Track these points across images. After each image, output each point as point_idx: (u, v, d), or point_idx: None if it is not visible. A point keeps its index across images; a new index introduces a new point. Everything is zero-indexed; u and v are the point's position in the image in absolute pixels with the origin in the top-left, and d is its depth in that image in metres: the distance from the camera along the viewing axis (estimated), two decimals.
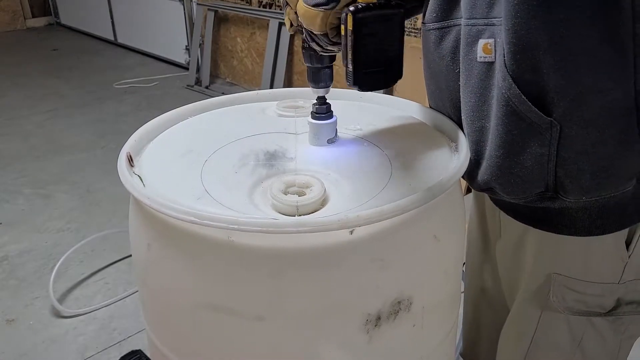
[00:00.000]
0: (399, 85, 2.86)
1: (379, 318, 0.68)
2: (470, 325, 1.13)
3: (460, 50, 0.74)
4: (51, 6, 6.26)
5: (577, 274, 0.78)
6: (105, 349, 1.73)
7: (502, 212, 0.85)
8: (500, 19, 0.66)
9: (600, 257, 0.77)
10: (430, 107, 0.91)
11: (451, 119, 0.85)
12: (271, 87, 3.66)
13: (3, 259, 2.17)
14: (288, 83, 3.68)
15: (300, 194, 0.70)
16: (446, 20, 0.77)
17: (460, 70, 0.75)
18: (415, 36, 2.85)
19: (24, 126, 3.51)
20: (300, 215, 0.67)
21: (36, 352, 1.72)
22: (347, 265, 0.65)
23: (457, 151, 0.80)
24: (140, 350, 1.69)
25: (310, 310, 0.66)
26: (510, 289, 0.90)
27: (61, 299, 1.93)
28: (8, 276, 2.07)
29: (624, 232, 0.76)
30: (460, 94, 0.77)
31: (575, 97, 0.63)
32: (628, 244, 0.76)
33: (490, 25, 0.68)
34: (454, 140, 0.83)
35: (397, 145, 0.83)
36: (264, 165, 0.78)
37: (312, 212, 0.68)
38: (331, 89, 0.90)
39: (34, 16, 6.23)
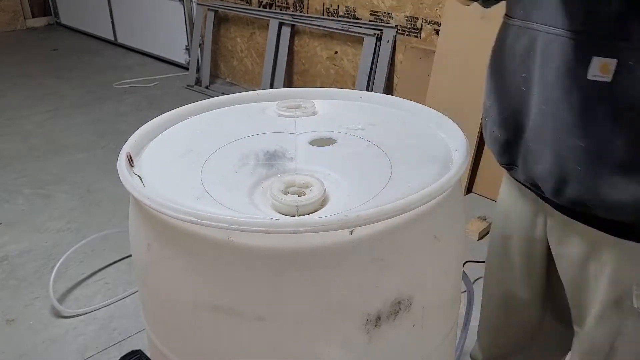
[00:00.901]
0: (399, 85, 2.86)
1: (379, 318, 0.68)
2: (496, 333, 1.12)
3: (556, 63, 0.70)
4: (51, 6, 6.26)
5: None
6: (105, 349, 1.73)
7: (567, 225, 0.84)
8: (634, 41, 0.62)
9: None
10: (485, 105, 0.89)
11: (504, 121, 0.83)
12: (271, 87, 3.66)
13: (3, 259, 2.17)
14: (288, 83, 3.68)
15: (300, 194, 0.70)
16: (525, 21, 0.75)
17: (551, 83, 0.72)
18: (415, 36, 2.85)
19: (24, 126, 3.51)
20: (300, 215, 0.67)
21: (36, 352, 1.72)
22: (347, 266, 0.65)
23: (457, 151, 0.80)
24: (140, 350, 1.68)
25: (310, 310, 0.66)
26: (576, 300, 0.89)
27: (61, 299, 1.93)
28: (8, 276, 2.07)
29: None
30: (546, 107, 0.74)
31: None
32: None
33: (615, 44, 0.64)
34: (454, 140, 0.83)
35: (397, 146, 0.83)
36: (264, 165, 0.78)
37: (312, 212, 0.68)
38: (331, 89, 0.90)
39: (34, 16, 6.23)
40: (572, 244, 0.86)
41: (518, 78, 0.78)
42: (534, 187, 0.84)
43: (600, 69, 0.65)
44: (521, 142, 0.83)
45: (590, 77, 0.67)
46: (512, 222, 0.97)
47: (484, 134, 0.94)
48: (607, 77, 0.65)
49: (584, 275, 0.85)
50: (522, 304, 1.02)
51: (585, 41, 0.67)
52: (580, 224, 0.82)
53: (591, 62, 0.66)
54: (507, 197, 0.99)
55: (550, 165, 0.76)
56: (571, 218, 0.83)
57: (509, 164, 0.88)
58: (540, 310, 1.02)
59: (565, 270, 0.89)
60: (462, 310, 1.71)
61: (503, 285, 1.04)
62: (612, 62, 0.65)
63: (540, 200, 0.88)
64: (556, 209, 0.85)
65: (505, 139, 0.85)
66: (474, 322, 1.10)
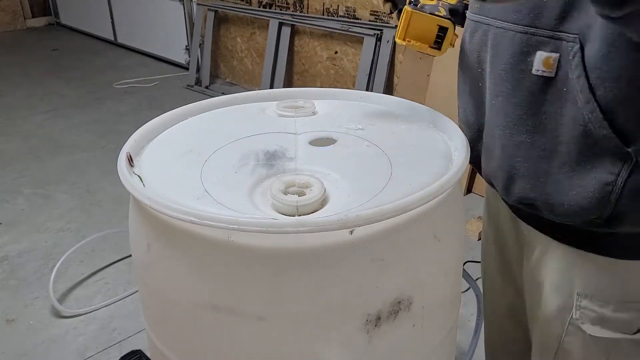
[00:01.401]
0: (399, 85, 2.86)
1: (379, 318, 0.68)
2: (500, 348, 1.07)
3: (504, 57, 0.71)
4: (51, 6, 6.26)
5: (607, 295, 0.75)
6: (105, 349, 1.73)
7: (523, 224, 0.83)
8: (572, 36, 0.63)
9: (627, 276, 0.74)
10: (459, 101, 0.89)
11: (467, 118, 0.83)
12: (271, 87, 3.65)
13: (3, 259, 2.17)
14: (288, 83, 3.68)
15: (300, 194, 0.70)
16: (479, 15, 0.75)
17: (500, 77, 0.72)
18: None
19: (24, 126, 3.51)
20: (300, 215, 0.67)
21: (36, 352, 1.72)
22: (347, 266, 0.65)
23: (457, 151, 0.80)
24: (140, 350, 1.68)
25: (310, 310, 0.66)
26: (532, 304, 0.87)
27: (61, 299, 1.93)
28: (8, 276, 2.07)
29: None
30: (496, 102, 0.74)
31: None
32: None
33: (556, 39, 0.65)
34: (454, 140, 0.83)
35: (397, 145, 0.83)
36: (264, 165, 0.78)
37: (312, 212, 0.68)
38: (331, 89, 0.90)
39: (34, 16, 6.22)
40: (525, 246, 0.84)
41: (475, 73, 0.78)
42: (491, 185, 0.83)
43: (544, 63, 0.66)
44: (481, 139, 0.82)
45: (534, 71, 0.67)
46: (500, 225, 0.93)
47: None
48: (551, 72, 0.66)
49: (535, 280, 0.83)
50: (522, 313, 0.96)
51: (530, 35, 0.67)
52: (529, 226, 0.81)
53: (535, 56, 0.67)
54: (489, 199, 0.96)
55: (500, 161, 0.76)
56: (522, 220, 0.82)
57: (475, 163, 0.86)
58: None
59: (524, 272, 0.87)
60: (462, 310, 1.71)
61: (506, 295, 0.98)
62: (555, 57, 0.65)
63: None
64: (510, 210, 0.84)
65: (469, 136, 0.83)
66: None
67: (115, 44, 5.40)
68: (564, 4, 0.64)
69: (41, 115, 3.68)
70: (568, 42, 0.64)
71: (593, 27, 0.61)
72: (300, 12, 3.53)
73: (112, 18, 5.33)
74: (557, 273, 0.79)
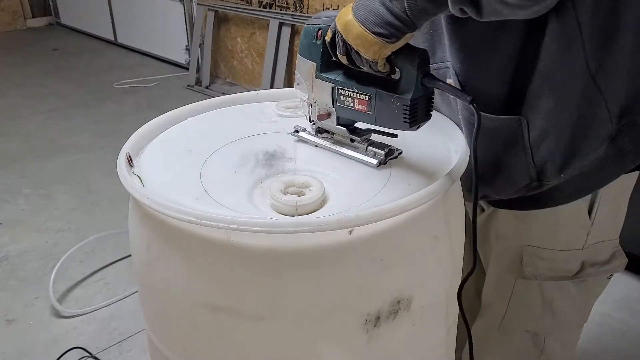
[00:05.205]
0: None
1: (378, 318, 0.68)
2: None
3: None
4: (51, 6, 6.25)
5: (547, 244, 0.86)
6: (106, 349, 1.73)
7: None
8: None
9: (567, 226, 0.85)
10: None
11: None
12: (271, 87, 3.65)
13: (3, 259, 2.17)
14: (288, 83, 3.68)
15: (300, 194, 0.70)
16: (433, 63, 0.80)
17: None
18: None
19: (24, 126, 3.51)
20: (299, 215, 0.67)
21: (36, 352, 1.72)
22: (347, 266, 0.65)
23: (456, 151, 0.80)
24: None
25: (309, 310, 0.66)
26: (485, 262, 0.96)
27: (61, 299, 1.93)
28: (8, 276, 2.06)
29: (587, 201, 0.84)
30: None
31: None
32: (590, 212, 0.84)
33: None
34: (453, 140, 0.83)
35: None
36: (263, 165, 0.78)
37: (312, 212, 0.68)
38: None
39: (34, 16, 6.22)
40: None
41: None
42: None
43: None
44: None
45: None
46: None
47: None
48: None
49: (484, 234, 0.92)
50: None
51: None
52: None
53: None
54: None
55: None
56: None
57: None
58: None
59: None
60: None
61: None
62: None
63: None
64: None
65: None
66: None
67: (115, 44, 5.39)
68: None
69: (41, 115, 3.67)
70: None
71: None
72: (300, 12, 3.53)
73: (112, 18, 5.33)
74: (504, 232, 0.89)
